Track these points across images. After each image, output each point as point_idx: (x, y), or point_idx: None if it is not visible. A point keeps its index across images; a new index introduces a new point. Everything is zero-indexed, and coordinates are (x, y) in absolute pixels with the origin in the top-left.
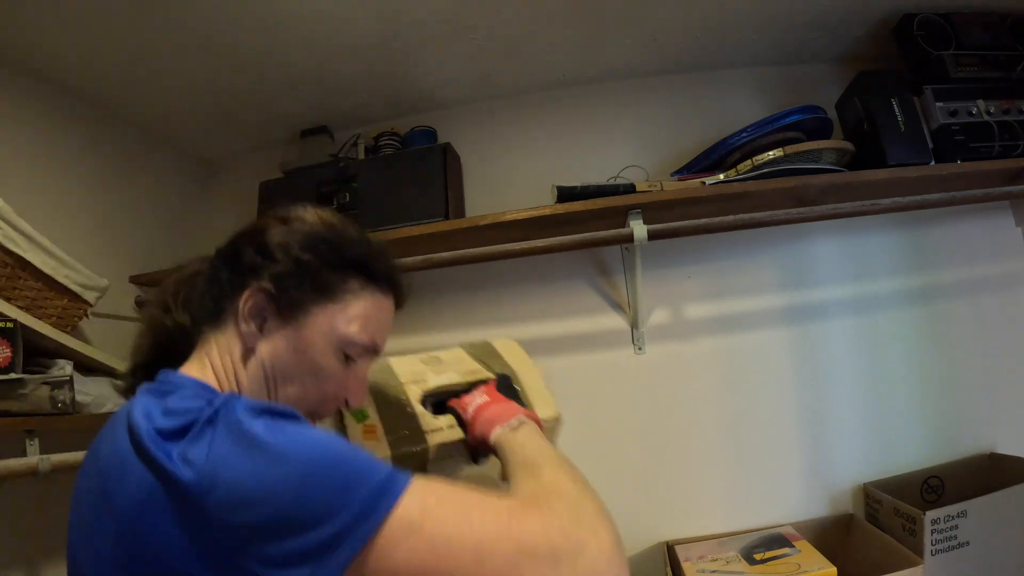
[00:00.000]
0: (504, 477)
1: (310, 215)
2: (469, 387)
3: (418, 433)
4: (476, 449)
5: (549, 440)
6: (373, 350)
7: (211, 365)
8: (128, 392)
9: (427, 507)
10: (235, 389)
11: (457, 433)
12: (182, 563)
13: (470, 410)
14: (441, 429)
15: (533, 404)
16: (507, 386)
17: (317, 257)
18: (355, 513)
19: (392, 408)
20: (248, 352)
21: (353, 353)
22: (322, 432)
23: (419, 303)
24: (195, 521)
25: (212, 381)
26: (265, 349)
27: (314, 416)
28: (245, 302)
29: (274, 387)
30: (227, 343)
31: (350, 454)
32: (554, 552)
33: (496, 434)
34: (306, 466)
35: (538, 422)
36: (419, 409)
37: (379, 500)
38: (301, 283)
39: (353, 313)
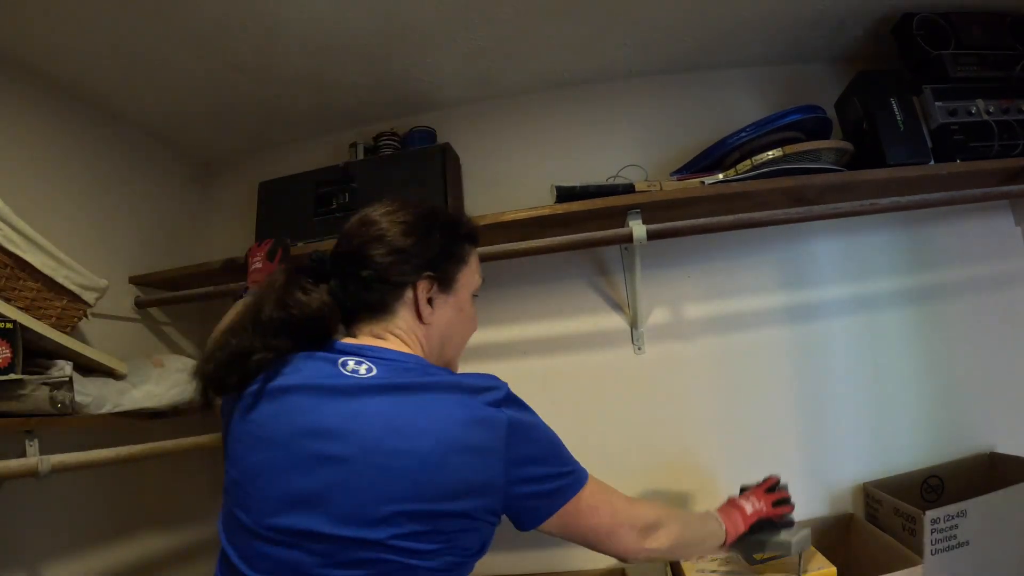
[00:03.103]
0: None
1: (388, 212)
2: None
3: None
4: None
5: None
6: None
7: (405, 341)
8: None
9: (596, 487)
10: (421, 353)
11: None
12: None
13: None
14: None
15: None
16: None
17: (447, 236)
18: (578, 469)
19: None
20: (428, 327)
21: (478, 294)
22: None
23: None
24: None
25: (413, 351)
26: (438, 319)
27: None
28: (424, 292)
29: (447, 345)
30: (407, 325)
31: None
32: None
33: None
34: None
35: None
36: None
37: (583, 470)
38: (449, 260)
39: (475, 266)
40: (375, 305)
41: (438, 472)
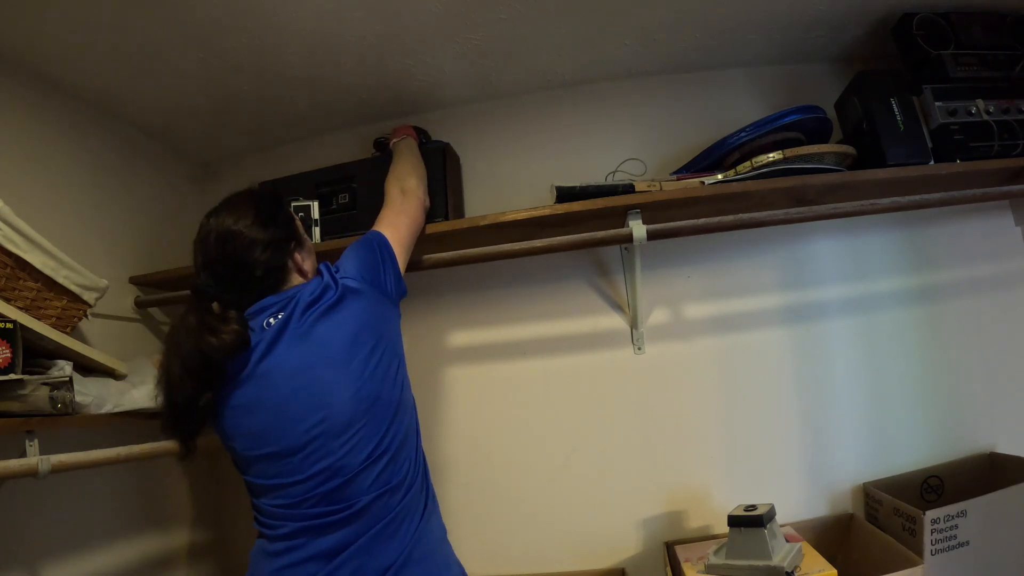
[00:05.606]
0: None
1: (237, 220)
2: None
3: None
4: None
5: None
6: None
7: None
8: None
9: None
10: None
11: None
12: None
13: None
14: None
15: None
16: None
17: (281, 209)
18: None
19: None
20: (307, 273)
21: None
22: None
23: (419, 303)
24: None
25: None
26: (309, 266)
27: None
28: (299, 259)
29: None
30: (297, 271)
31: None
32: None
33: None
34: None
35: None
36: None
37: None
38: (292, 224)
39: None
40: (273, 286)
41: None
